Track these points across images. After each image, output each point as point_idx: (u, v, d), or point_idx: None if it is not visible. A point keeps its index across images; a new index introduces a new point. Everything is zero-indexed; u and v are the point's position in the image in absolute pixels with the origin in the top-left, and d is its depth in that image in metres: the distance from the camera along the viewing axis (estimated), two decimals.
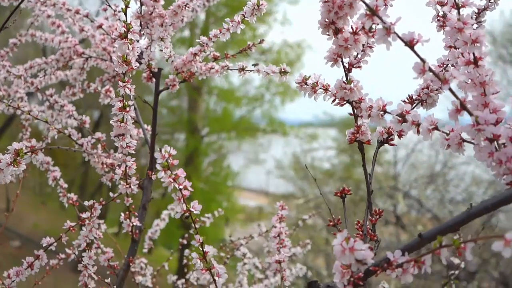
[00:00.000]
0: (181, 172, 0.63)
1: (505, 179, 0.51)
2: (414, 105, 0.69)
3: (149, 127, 1.11)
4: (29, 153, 0.68)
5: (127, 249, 1.01)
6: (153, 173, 0.98)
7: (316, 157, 10.79)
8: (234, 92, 11.51)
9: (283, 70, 0.85)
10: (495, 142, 0.51)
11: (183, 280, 1.46)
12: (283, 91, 11.36)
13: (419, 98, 0.69)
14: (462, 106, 0.52)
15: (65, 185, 1.10)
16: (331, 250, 6.98)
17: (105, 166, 1.03)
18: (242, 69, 0.95)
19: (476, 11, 0.73)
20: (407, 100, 0.69)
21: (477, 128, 0.51)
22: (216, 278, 0.65)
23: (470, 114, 0.52)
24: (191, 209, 0.63)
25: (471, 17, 0.74)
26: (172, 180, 0.62)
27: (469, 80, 0.56)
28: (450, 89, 0.51)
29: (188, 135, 10.79)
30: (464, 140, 0.55)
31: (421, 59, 0.51)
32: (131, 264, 0.99)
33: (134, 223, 0.98)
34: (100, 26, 1.02)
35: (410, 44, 0.51)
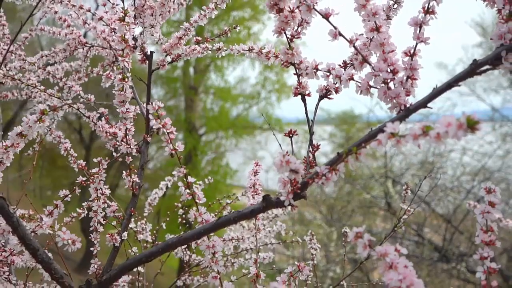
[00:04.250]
0: (168, 120, 0.83)
1: (395, 110, 0.72)
2: (347, 67, 0.90)
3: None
4: (52, 111, 0.89)
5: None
6: (149, 136, 1.18)
7: None
8: (230, 90, 11.71)
9: (251, 48, 1.06)
10: (388, 84, 0.72)
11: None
12: (279, 89, 11.56)
13: (351, 62, 0.90)
14: (364, 60, 0.73)
15: (75, 154, 1.31)
16: (328, 241, 7.13)
17: (108, 134, 1.23)
18: (219, 49, 1.15)
19: None
20: (341, 64, 0.90)
21: (373, 74, 0.72)
22: (197, 201, 0.85)
23: (370, 64, 0.72)
24: (176, 147, 0.84)
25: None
26: (161, 126, 0.82)
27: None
28: (354, 47, 0.72)
29: (186, 134, 10.98)
30: (371, 86, 0.76)
31: (334, 27, 0.72)
32: (132, 214, 1.20)
33: (134, 180, 1.19)
34: (101, 18, 1.22)
35: (326, 16, 0.72)
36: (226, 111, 11.63)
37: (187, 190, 0.85)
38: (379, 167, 8.32)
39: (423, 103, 0.68)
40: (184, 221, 1.55)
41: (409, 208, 1.30)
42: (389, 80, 0.72)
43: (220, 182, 11.05)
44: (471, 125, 0.48)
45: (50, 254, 0.87)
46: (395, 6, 0.95)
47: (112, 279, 0.83)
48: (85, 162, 1.27)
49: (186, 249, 1.53)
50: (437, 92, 0.67)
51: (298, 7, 0.78)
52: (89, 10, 1.31)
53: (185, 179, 0.86)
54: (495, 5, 0.69)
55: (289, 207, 0.78)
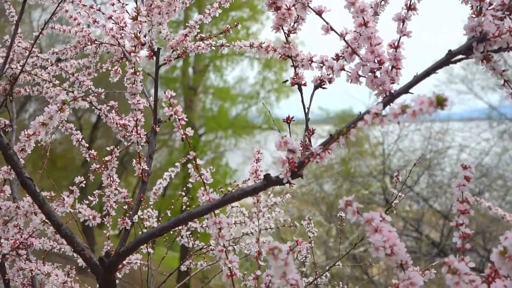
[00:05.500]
0: (179, 108, 0.92)
1: (382, 96, 0.81)
2: (338, 59, 0.98)
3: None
4: (72, 101, 0.97)
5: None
6: (157, 126, 1.27)
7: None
8: (229, 90, 11.81)
9: (251, 44, 1.14)
10: (375, 73, 0.81)
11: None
12: (278, 88, 11.66)
13: (342, 54, 0.99)
14: (353, 52, 0.82)
15: (87, 145, 1.40)
16: (328, 237, 7.22)
17: (118, 125, 1.32)
18: (222, 45, 1.24)
19: None
20: (334, 57, 0.99)
21: (362, 64, 0.81)
22: (205, 181, 0.94)
23: (358, 56, 0.81)
24: (186, 132, 0.93)
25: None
26: (173, 113, 0.91)
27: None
28: (345, 40, 0.81)
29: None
30: (360, 75, 0.85)
31: (326, 22, 0.81)
32: (142, 199, 1.28)
33: (143, 167, 1.27)
34: (110, 17, 1.31)
35: (319, 13, 0.81)
36: (225, 111, 11.71)
37: (196, 172, 0.94)
38: (377, 164, 8.42)
39: (405, 89, 0.77)
40: (188, 208, 1.63)
41: (400, 194, 1.39)
42: (376, 70, 0.81)
43: (219, 182, 11.11)
44: (440, 102, 0.57)
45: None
46: (382, 2, 1.04)
47: (128, 251, 0.92)
48: (96, 152, 1.36)
49: (191, 235, 1.61)
50: (417, 79, 0.76)
51: (294, 5, 0.87)
52: (99, 10, 1.40)
53: (194, 162, 0.94)
54: (469, 2, 0.78)
55: (288, 193, 0.87)
